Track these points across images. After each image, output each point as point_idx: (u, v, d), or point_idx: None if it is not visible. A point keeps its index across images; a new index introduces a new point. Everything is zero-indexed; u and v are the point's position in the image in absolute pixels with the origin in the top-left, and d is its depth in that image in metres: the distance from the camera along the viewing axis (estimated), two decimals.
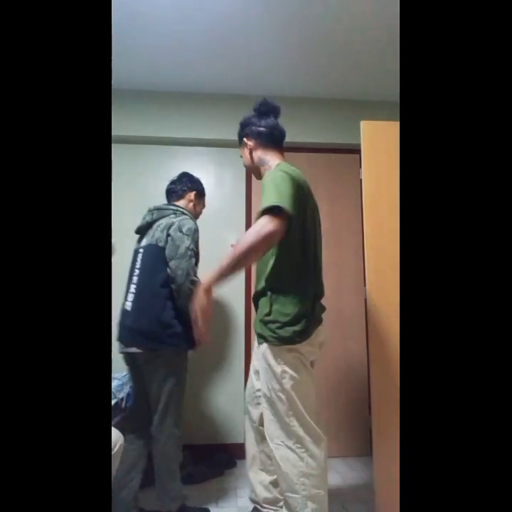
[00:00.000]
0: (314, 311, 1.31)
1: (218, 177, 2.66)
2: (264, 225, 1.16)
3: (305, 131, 2.67)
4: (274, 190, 1.22)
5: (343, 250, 2.65)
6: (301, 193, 1.28)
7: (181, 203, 1.83)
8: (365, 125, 1.72)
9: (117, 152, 2.58)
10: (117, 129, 2.51)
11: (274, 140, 1.48)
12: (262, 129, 1.47)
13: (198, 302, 1.23)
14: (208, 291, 1.22)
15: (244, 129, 1.52)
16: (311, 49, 2.22)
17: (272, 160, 1.45)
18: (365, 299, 1.67)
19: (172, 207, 1.76)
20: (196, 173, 2.65)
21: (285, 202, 1.18)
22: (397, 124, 1.64)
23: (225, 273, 1.19)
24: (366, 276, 1.65)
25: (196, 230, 1.68)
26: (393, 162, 1.68)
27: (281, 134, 1.51)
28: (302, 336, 1.26)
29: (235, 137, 1.57)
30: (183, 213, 1.74)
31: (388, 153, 1.69)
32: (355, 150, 2.62)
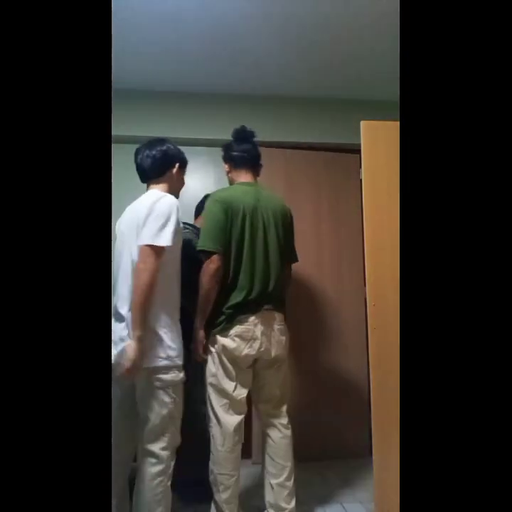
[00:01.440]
0: (227, 310, 1.50)
1: (218, 177, 2.65)
2: (205, 267, 1.48)
3: (305, 131, 2.66)
4: (202, 231, 1.53)
5: (343, 250, 2.65)
6: (226, 215, 1.52)
7: (199, 219, 2.11)
8: (365, 125, 1.72)
9: (117, 152, 2.56)
10: (117, 129, 2.49)
11: (245, 163, 1.69)
12: (235, 153, 1.69)
13: (195, 338, 1.53)
14: (199, 328, 1.53)
15: (224, 155, 1.75)
16: (311, 49, 2.21)
17: (237, 181, 1.68)
18: (365, 299, 1.67)
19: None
20: (196, 173, 2.67)
21: (210, 242, 1.48)
22: (397, 124, 1.63)
23: (202, 311, 1.51)
24: (366, 276, 1.65)
25: (189, 239, 1.90)
26: (393, 162, 1.67)
27: (253, 157, 1.70)
28: (216, 327, 1.51)
29: None
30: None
31: (388, 153, 1.69)
32: (355, 150, 2.61)
